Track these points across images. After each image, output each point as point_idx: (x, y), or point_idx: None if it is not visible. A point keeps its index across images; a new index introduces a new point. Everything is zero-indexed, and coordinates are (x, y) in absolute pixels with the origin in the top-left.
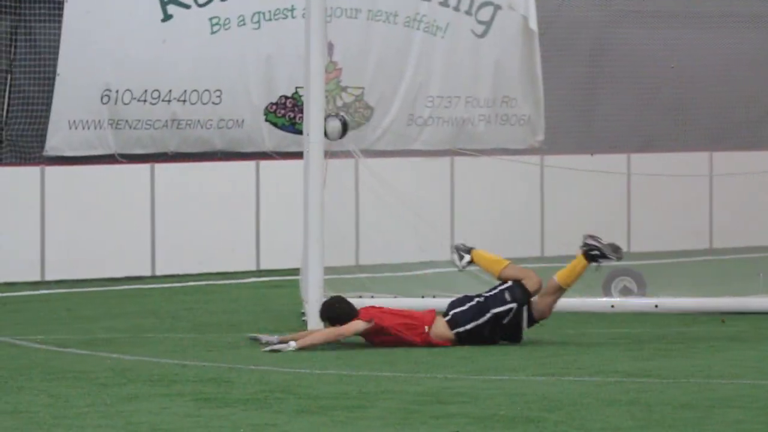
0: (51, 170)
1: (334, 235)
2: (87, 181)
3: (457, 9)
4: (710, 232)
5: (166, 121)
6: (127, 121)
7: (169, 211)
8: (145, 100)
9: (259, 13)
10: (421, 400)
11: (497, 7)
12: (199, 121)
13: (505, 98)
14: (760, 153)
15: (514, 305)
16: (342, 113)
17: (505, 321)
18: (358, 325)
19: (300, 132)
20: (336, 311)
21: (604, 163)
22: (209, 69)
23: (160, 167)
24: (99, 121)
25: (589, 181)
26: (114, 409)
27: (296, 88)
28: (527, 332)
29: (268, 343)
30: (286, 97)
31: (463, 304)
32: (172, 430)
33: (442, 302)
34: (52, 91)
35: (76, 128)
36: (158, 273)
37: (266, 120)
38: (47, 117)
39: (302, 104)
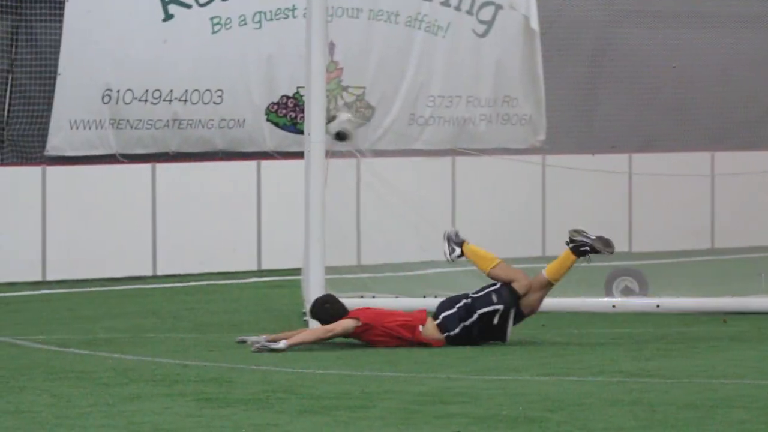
0: (52, 170)
1: (336, 234)
2: (88, 181)
3: (458, 9)
4: (712, 232)
5: (168, 120)
6: (128, 120)
7: (171, 211)
8: (146, 100)
9: (260, 12)
10: (423, 400)
11: (498, 7)
12: (200, 120)
13: (507, 98)
14: (760, 153)
15: (500, 307)
16: (346, 126)
17: (495, 321)
18: (347, 323)
19: (301, 132)
20: (327, 310)
21: (605, 163)
22: (210, 69)
23: (161, 167)
24: (100, 121)
25: (591, 181)
26: (116, 409)
27: (297, 87)
28: (529, 332)
29: (254, 343)
30: (288, 97)
31: (452, 306)
32: (174, 430)
33: None
34: (53, 91)
35: (77, 128)
36: (159, 273)
37: (267, 120)
38: (48, 117)
39: (303, 104)
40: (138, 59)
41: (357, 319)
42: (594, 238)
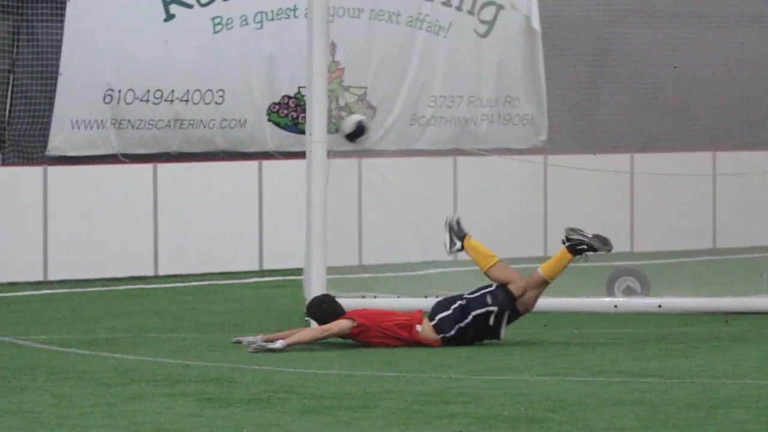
0: (54, 170)
1: (337, 234)
2: (90, 181)
3: (459, 9)
4: (713, 232)
5: (169, 120)
6: (129, 120)
7: (172, 211)
8: (147, 100)
9: (261, 12)
10: (425, 400)
11: (500, 7)
12: (201, 120)
13: (508, 98)
14: (762, 153)
15: (494, 309)
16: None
17: (491, 323)
18: (343, 323)
19: (302, 132)
20: (324, 310)
21: (606, 164)
22: (212, 69)
23: (162, 167)
24: (102, 121)
25: (592, 181)
26: (117, 409)
27: (299, 87)
28: (530, 332)
29: (249, 344)
30: (289, 97)
31: (448, 308)
32: (176, 430)
33: None
34: (54, 91)
35: (78, 128)
36: (161, 273)
37: (269, 120)
38: (50, 117)
39: (305, 104)
40: (139, 59)
41: (353, 319)
42: (591, 236)
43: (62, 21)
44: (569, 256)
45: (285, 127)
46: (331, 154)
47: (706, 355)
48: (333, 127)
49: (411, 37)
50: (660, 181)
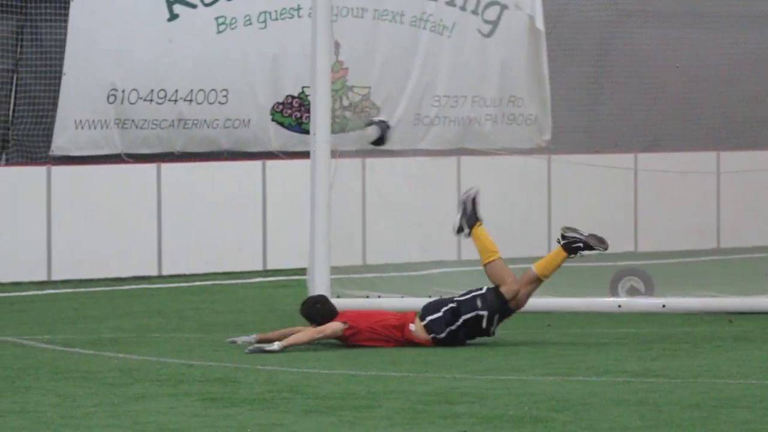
0: (57, 170)
1: (341, 234)
2: (93, 181)
3: (463, 8)
4: (717, 232)
5: (173, 120)
6: (133, 120)
7: (176, 210)
8: (151, 100)
9: (265, 12)
10: (429, 400)
11: (504, 7)
12: (205, 120)
13: (512, 98)
14: (766, 152)
15: (484, 313)
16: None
17: (483, 325)
18: (336, 326)
19: (306, 132)
20: (318, 311)
21: (610, 163)
22: (215, 68)
23: (166, 167)
24: (105, 121)
25: (596, 181)
26: (121, 409)
27: (303, 87)
28: (534, 332)
29: (246, 344)
30: (293, 97)
31: (438, 310)
32: (179, 429)
33: None
34: (58, 91)
35: (82, 128)
36: (164, 273)
37: (273, 120)
38: (53, 117)
39: (309, 104)
40: (143, 59)
41: (345, 322)
42: (587, 235)
43: (66, 21)
44: (564, 254)
45: (289, 127)
46: (336, 154)
47: (710, 355)
48: (337, 127)
49: (415, 37)
50: (663, 181)
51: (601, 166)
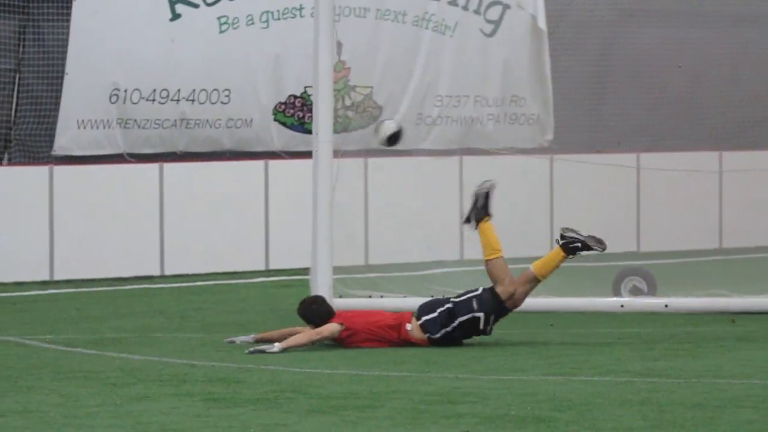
0: (60, 170)
1: (343, 234)
2: (96, 181)
3: (465, 8)
4: (720, 232)
5: (175, 120)
6: (135, 120)
7: (178, 210)
8: (153, 100)
9: (267, 12)
10: (431, 399)
11: (506, 7)
12: (207, 120)
13: (514, 97)
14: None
15: (480, 315)
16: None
17: (481, 327)
18: (333, 327)
19: (309, 131)
20: (314, 311)
21: (612, 163)
22: (218, 68)
23: (168, 167)
24: (108, 121)
25: (599, 181)
26: (123, 409)
27: (305, 87)
28: (537, 332)
29: (244, 344)
30: (295, 97)
31: (434, 311)
32: (182, 430)
33: None
34: (60, 91)
35: (84, 128)
36: (167, 273)
37: (275, 119)
38: (56, 116)
39: (311, 103)
40: (145, 59)
41: (342, 324)
42: (586, 235)
43: (68, 21)
44: (562, 254)
45: (291, 127)
46: (339, 153)
47: (712, 354)
48: (339, 127)
49: (417, 37)
50: (666, 181)
51: (603, 166)
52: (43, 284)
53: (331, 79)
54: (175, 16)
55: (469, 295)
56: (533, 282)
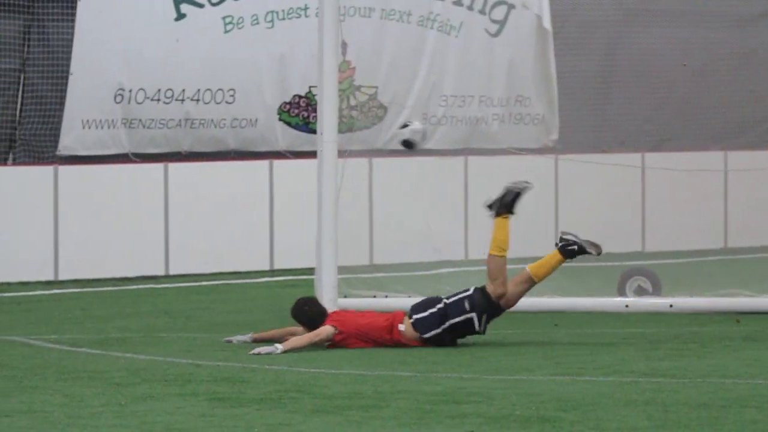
0: (64, 170)
1: (348, 234)
2: (100, 181)
3: (470, 8)
4: (725, 232)
5: (180, 120)
6: (140, 120)
7: (183, 210)
8: (158, 100)
9: (272, 12)
10: (436, 399)
11: (511, 6)
12: (212, 120)
13: (519, 97)
14: None
15: (472, 315)
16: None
17: (476, 328)
18: (328, 329)
19: (314, 131)
20: (306, 313)
21: (617, 163)
22: (222, 68)
23: (173, 167)
24: (112, 121)
25: (604, 180)
26: (128, 409)
27: (310, 87)
28: (541, 332)
29: (240, 343)
30: (300, 97)
31: (425, 310)
32: (186, 429)
33: None
34: (65, 91)
35: (89, 127)
36: (171, 272)
37: (280, 119)
38: (60, 116)
39: (316, 103)
40: (150, 59)
41: (335, 327)
42: (583, 239)
43: (73, 21)
44: (559, 257)
45: (296, 127)
46: (343, 153)
47: (717, 354)
48: (344, 126)
49: (422, 37)
50: (671, 180)
51: (608, 165)
52: (48, 284)
53: (335, 79)
54: (180, 16)
55: (460, 296)
56: (528, 283)
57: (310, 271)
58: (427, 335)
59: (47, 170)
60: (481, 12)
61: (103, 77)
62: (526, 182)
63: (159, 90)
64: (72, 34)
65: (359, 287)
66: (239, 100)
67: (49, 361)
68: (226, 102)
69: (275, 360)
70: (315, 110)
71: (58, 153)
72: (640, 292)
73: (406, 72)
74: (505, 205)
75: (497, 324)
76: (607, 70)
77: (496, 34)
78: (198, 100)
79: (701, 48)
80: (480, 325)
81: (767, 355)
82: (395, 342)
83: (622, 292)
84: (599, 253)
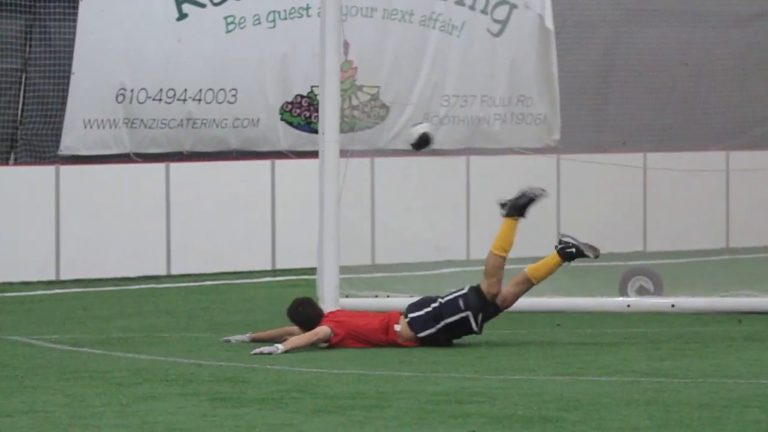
0: (66, 169)
1: (350, 234)
2: (102, 181)
3: (472, 8)
4: (727, 231)
5: (182, 120)
6: (142, 120)
7: (184, 210)
8: (160, 99)
9: (274, 11)
10: (439, 399)
11: (513, 6)
12: (214, 120)
13: (521, 97)
14: None
15: (466, 313)
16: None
17: (474, 328)
18: (326, 330)
19: (315, 131)
20: (301, 313)
21: (619, 162)
22: (224, 68)
23: (175, 166)
24: (114, 120)
25: (605, 180)
26: (130, 409)
27: (312, 87)
28: (543, 332)
29: (238, 342)
30: (302, 96)
31: (420, 309)
32: (188, 429)
33: None
34: (67, 91)
35: (91, 127)
36: (173, 272)
37: (281, 119)
38: (62, 116)
39: (318, 103)
40: (152, 58)
41: (331, 328)
42: (581, 242)
43: (75, 20)
44: (558, 259)
45: (298, 127)
46: (346, 153)
47: (719, 354)
48: (346, 126)
49: (424, 37)
50: (673, 181)
51: (610, 165)
52: (50, 284)
53: (337, 79)
54: (182, 16)
55: (455, 295)
56: (527, 284)
57: (312, 271)
58: (422, 334)
59: (49, 170)
60: (483, 12)
61: (105, 77)
62: (543, 190)
63: (161, 90)
64: (74, 33)
65: (361, 287)
66: (241, 99)
67: (51, 361)
68: (228, 102)
69: (277, 360)
70: (317, 110)
71: (59, 153)
72: (642, 291)
73: (408, 72)
74: (516, 208)
75: (499, 324)
76: (608, 69)
77: (498, 34)
78: (200, 100)
79: (701, 47)
80: (477, 325)
81: None
82: (391, 343)
83: (623, 292)
84: (597, 256)
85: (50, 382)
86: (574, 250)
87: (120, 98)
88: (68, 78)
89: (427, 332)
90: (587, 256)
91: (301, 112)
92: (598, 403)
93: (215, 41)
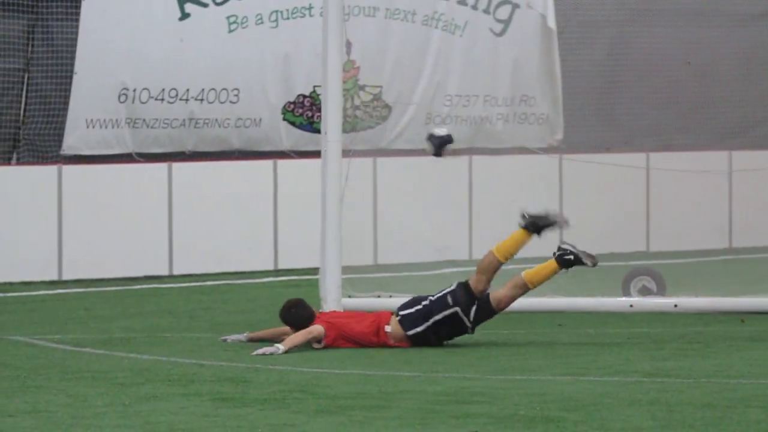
0: (68, 169)
1: (352, 234)
2: (104, 180)
3: (475, 7)
4: (729, 232)
5: (184, 120)
6: (144, 120)
7: (187, 210)
8: (162, 99)
9: (276, 11)
10: (440, 399)
11: (515, 6)
12: (216, 120)
13: (524, 97)
14: None
15: (455, 309)
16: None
17: (462, 322)
18: (319, 329)
19: (318, 131)
20: (293, 315)
21: (622, 163)
22: (227, 68)
23: (177, 166)
24: (116, 120)
25: (608, 180)
26: (132, 409)
27: (314, 86)
28: (546, 332)
29: (235, 342)
30: (304, 96)
31: (411, 307)
32: (190, 429)
33: None
34: (69, 90)
35: (93, 127)
36: (175, 272)
37: (284, 119)
38: (64, 116)
39: (320, 103)
40: (154, 58)
41: (323, 329)
42: (579, 250)
43: (77, 20)
44: (555, 265)
45: (300, 126)
46: (349, 153)
47: (722, 354)
48: (348, 126)
49: (426, 36)
50: (676, 181)
51: (612, 165)
52: (52, 284)
53: (340, 79)
54: (184, 16)
55: (444, 292)
56: (523, 288)
57: (314, 271)
58: (411, 332)
59: (51, 170)
60: (486, 11)
61: (107, 77)
62: (566, 220)
63: (163, 89)
64: (76, 33)
65: (363, 287)
66: (243, 99)
67: (53, 361)
68: (230, 102)
69: (279, 360)
70: (319, 110)
71: (61, 152)
72: (645, 291)
73: (410, 71)
74: (535, 226)
75: (500, 324)
76: (611, 69)
77: (500, 34)
78: (202, 100)
79: (705, 47)
80: (469, 322)
81: None
82: (382, 344)
83: (626, 292)
84: (595, 265)
85: (52, 382)
86: (572, 257)
87: (122, 98)
88: (71, 78)
89: (417, 330)
90: (585, 264)
91: (304, 112)
92: (600, 403)
93: (217, 41)
